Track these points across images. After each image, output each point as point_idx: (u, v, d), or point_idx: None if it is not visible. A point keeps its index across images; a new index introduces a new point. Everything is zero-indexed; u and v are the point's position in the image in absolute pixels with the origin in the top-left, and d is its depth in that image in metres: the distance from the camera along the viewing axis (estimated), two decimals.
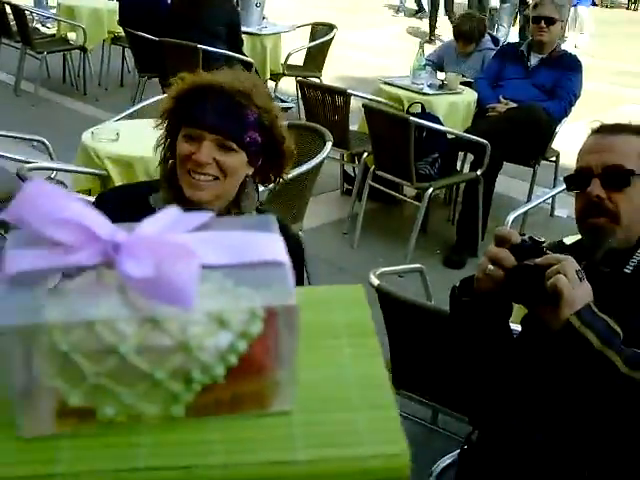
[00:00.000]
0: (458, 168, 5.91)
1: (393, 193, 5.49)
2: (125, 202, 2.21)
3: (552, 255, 1.71)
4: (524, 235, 1.77)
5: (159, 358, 0.59)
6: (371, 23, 14.85)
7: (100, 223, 0.61)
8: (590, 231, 1.92)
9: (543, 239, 1.77)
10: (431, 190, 5.10)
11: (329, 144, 4.19)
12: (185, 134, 2.08)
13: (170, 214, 0.64)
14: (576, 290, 1.65)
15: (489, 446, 2.00)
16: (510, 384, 1.92)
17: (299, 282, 2.21)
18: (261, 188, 4.04)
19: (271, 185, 2.30)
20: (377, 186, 5.43)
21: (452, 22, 8.20)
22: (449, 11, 13.46)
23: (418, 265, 3.29)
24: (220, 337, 0.60)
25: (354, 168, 6.02)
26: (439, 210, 6.02)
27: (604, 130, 2.02)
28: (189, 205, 2.09)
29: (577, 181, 1.99)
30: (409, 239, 5.11)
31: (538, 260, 1.69)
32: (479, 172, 5.22)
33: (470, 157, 5.75)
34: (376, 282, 2.70)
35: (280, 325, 0.62)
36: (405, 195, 5.68)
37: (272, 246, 0.65)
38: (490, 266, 1.74)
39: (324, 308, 0.74)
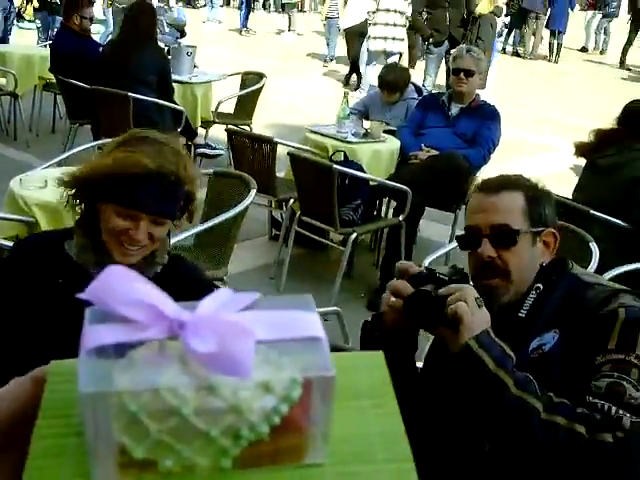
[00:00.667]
0: (383, 214, 6.09)
1: (318, 238, 5.62)
2: (41, 248, 2.34)
3: (453, 285, 1.84)
4: (420, 267, 1.93)
5: (214, 418, 0.66)
6: (302, 71, 15.13)
7: (167, 303, 0.68)
8: (485, 292, 2.00)
9: (437, 269, 1.94)
10: (354, 235, 5.25)
11: (253, 191, 4.32)
12: (119, 211, 2.18)
13: (224, 294, 0.71)
14: (475, 316, 1.79)
15: None
16: (414, 415, 2.05)
17: None
18: (186, 234, 4.16)
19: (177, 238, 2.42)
20: (303, 232, 5.56)
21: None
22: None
23: (335, 308, 3.40)
24: (266, 401, 0.68)
25: (282, 214, 6.15)
26: (365, 255, 6.19)
27: (488, 188, 2.13)
28: (108, 255, 2.23)
29: (468, 241, 2.12)
30: (335, 283, 5.24)
31: (441, 290, 1.84)
32: (401, 217, 5.40)
33: (394, 203, 5.93)
34: None
35: (317, 392, 0.69)
36: (332, 240, 5.82)
37: (311, 323, 0.72)
38: (392, 298, 1.89)
39: (348, 372, 0.79)
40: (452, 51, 7.15)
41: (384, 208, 6.18)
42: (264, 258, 6.01)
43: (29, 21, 16.59)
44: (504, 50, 19.79)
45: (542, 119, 12.17)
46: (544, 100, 13.94)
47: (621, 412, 1.72)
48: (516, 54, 19.65)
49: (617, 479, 1.70)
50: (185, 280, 2.32)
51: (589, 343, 1.89)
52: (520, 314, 2.03)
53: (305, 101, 12.19)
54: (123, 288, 0.68)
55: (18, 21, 16.03)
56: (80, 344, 0.69)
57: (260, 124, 8.59)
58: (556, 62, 19.16)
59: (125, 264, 2.19)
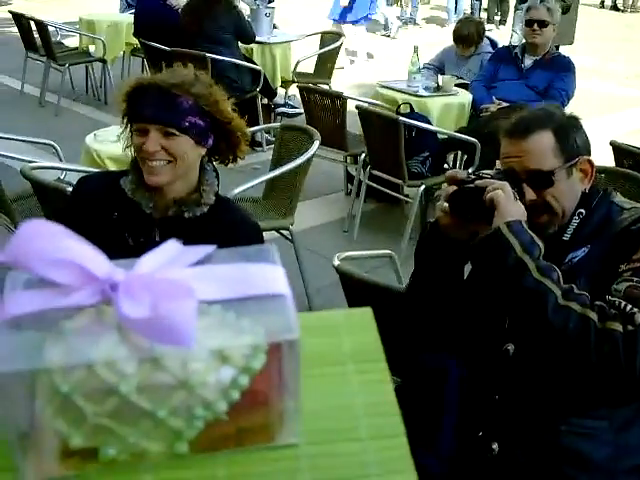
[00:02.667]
0: (456, 167, 6.10)
1: (388, 191, 5.69)
2: (100, 184, 2.56)
3: (492, 179, 1.97)
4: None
5: (160, 396, 0.59)
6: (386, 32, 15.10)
7: (98, 262, 0.60)
8: (532, 227, 2.06)
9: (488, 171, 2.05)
10: (423, 187, 5.31)
11: (316, 142, 4.44)
12: (135, 129, 2.39)
13: (170, 249, 0.63)
14: (510, 205, 1.91)
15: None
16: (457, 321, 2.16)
17: None
18: (252, 183, 4.33)
19: (231, 165, 2.57)
20: (374, 185, 5.65)
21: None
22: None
23: (388, 251, 3.49)
24: (222, 373, 0.60)
25: (356, 169, 6.24)
26: None
27: (516, 133, 2.13)
28: (151, 187, 2.41)
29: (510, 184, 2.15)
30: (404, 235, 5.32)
31: (479, 182, 1.96)
32: (471, 170, 5.42)
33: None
34: (336, 262, 2.91)
35: (283, 358, 0.61)
36: (407, 195, 5.88)
37: (272, 277, 0.64)
38: (445, 203, 2.00)
39: (331, 333, 0.72)
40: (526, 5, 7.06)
41: (458, 162, 6.21)
42: (339, 212, 6.12)
43: None
44: (602, 4, 19.20)
45: (636, 74, 11.83)
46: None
47: (635, 310, 1.80)
48: (614, 7, 19.03)
49: (620, 369, 1.77)
50: (230, 222, 2.48)
51: (616, 255, 1.97)
52: (564, 238, 2.11)
53: (386, 60, 12.18)
54: (46, 246, 0.59)
55: None
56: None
57: (340, 84, 8.66)
58: None
59: (154, 184, 2.37)
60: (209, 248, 0.65)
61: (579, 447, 1.97)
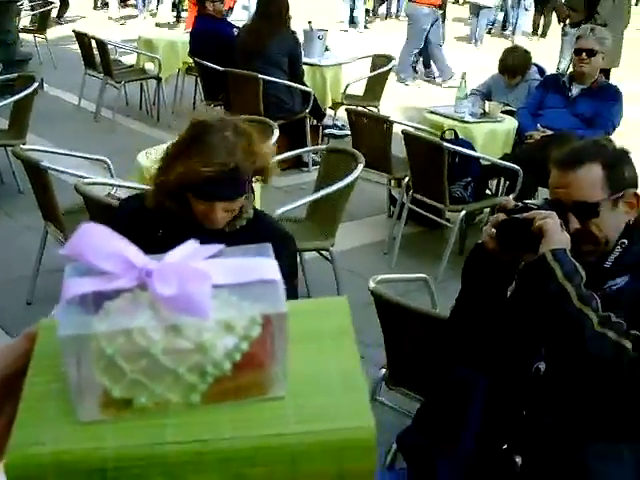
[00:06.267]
0: (499, 194, 6.16)
1: (429, 215, 5.77)
2: (137, 208, 2.70)
3: (538, 211, 2.05)
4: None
5: (180, 357, 0.74)
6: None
7: (136, 255, 0.75)
8: (575, 255, 2.10)
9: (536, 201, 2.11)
10: (464, 212, 5.37)
11: (360, 166, 4.53)
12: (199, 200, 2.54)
13: (189, 246, 0.78)
14: (557, 234, 1.98)
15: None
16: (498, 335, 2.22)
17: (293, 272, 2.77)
18: (296, 204, 4.43)
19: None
20: (415, 209, 5.73)
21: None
22: None
23: (423, 275, 3.56)
24: (227, 340, 0.75)
25: (399, 192, 6.31)
26: (480, 234, 6.22)
27: (564, 164, 2.21)
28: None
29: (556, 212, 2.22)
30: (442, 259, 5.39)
31: (527, 214, 2.04)
32: (511, 196, 5.46)
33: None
34: (372, 285, 2.98)
35: (274, 329, 0.76)
36: (448, 220, 5.93)
37: (267, 267, 0.80)
38: (493, 229, 2.09)
39: (310, 317, 0.87)
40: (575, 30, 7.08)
41: (500, 188, 6.26)
42: (380, 234, 6.19)
43: None
44: None
45: None
46: None
47: None
48: None
49: None
50: (266, 234, 2.61)
51: None
52: (605, 265, 2.17)
53: (436, 86, 12.25)
54: (98, 243, 0.75)
55: None
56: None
57: (389, 107, 8.74)
58: None
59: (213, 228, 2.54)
60: (220, 246, 0.80)
61: (605, 469, 2.02)
